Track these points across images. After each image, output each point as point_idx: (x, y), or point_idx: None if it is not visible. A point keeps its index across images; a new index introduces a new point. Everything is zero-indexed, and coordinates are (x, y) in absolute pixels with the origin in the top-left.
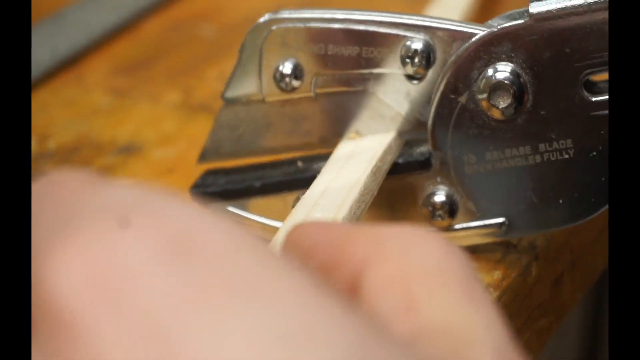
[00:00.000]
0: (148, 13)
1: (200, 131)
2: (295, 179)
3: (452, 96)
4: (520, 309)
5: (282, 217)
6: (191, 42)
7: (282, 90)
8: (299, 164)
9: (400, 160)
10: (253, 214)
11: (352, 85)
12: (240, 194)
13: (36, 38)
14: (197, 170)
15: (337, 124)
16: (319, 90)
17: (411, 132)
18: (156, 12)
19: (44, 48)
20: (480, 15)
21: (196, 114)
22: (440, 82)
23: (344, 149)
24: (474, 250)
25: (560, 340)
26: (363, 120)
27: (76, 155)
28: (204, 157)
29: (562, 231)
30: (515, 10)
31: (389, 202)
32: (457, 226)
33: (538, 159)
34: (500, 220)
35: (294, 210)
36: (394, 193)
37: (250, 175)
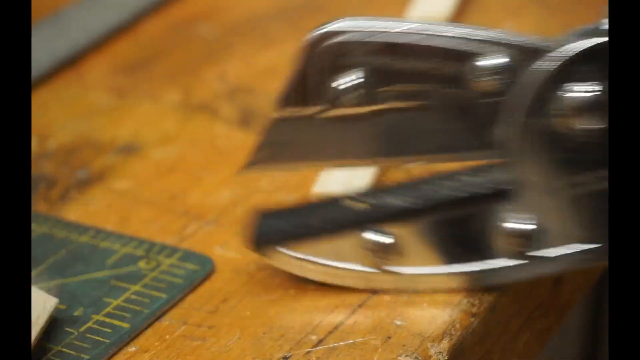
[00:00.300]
0: (148, 13)
1: (200, 131)
2: (359, 216)
3: (535, 118)
4: (520, 309)
5: (351, 258)
6: (191, 42)
7: (337, 106)
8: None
9: (477, 190)
10: (319, 257)
11: (414, 101)
12: (303, 236)
13: (36, 38)
14: (197, 170)
15: (393, 144)
16: (376, 107)
17: (478, 152)
18: (156, 12)
19: (44, 48)
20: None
21: (196, 114)
22: (522, 103)
23: None
24: None
25: (560, 340)
26: (423, 139)
27: (76, 155)
28: (251, 165)
29: None
30: (587, 26)
31: (462, 230)
32: (536, 253)
33: None
34: (591, 246)
35: None
36: (469, 220)
37: (311, 216)
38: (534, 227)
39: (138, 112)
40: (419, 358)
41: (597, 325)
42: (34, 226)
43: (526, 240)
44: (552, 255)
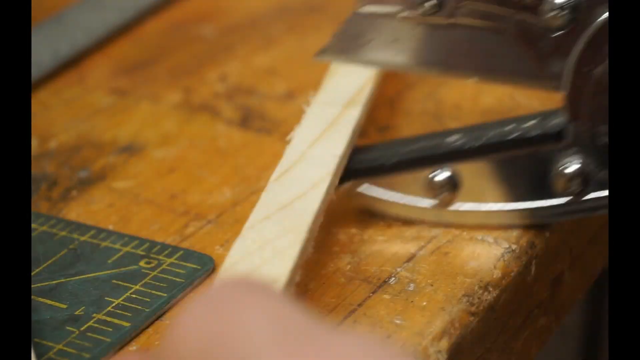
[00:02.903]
0: (149, 13)
1: (200, 131)
2: (429, 155)
3: (589, 67)
4: (519, 308)
5: (416, 192)
6: (192, 42)
7: (420, 10)
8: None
9: (533, 133)
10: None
11: (491, 22)
12: (376, 171)
13: (37, 38)
14: (197, 170)
15: (464, 58)
16: (456, 20)
17: (536, 82)
18: (157, 13)
19: (46, 48)
20: None
21: (197, 114)
22: (577, 52)
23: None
24: (475, 249)
25: (560, 340)
26: (490, 60)
27: (77, 155)
28: (323, 53)
29: (561, 230)
30: None
31: (519, 174)
32: (589, 196)
33: None
34: None
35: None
36: (525, 165)
37: (386, 153)
38: (577, 168)
39: (139, 112)
40: (419, 357)
41: (597, 325)
42: (35, 225)
43: (570, 180)
44: (588, 197)
